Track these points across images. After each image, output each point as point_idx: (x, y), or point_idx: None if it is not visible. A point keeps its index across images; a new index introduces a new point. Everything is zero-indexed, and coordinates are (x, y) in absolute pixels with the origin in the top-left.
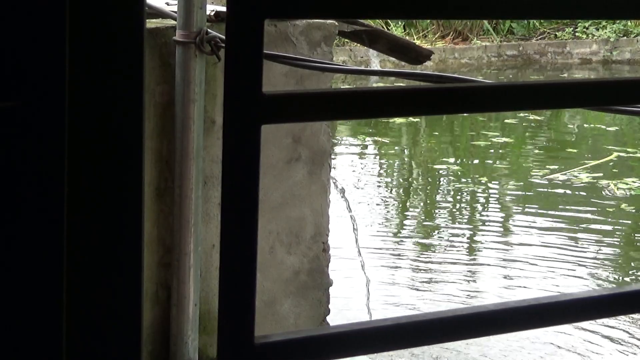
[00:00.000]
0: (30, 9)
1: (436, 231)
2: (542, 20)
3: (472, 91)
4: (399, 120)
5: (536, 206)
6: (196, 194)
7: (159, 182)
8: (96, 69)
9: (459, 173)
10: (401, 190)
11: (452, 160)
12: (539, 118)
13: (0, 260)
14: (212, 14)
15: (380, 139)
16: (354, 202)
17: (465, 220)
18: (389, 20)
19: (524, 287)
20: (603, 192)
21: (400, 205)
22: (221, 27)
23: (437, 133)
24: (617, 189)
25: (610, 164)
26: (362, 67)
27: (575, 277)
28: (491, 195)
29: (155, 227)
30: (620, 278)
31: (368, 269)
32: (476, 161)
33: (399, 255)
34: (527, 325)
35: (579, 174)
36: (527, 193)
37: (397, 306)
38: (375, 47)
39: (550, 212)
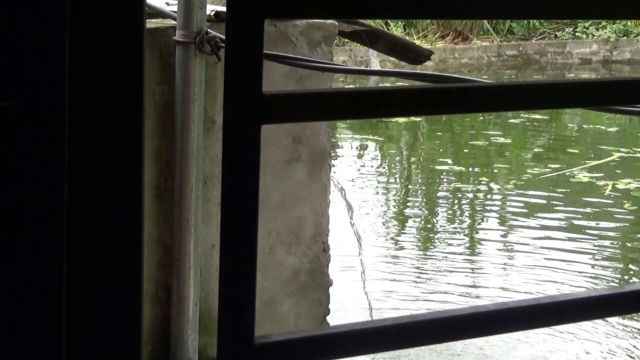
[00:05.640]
0: (30, 9)
1: (436, 231)
2: (542, 20)
3: (472, 91)
4: (399, 120)
5: (536, 206)
6: (196, 194)
7: (159, 182)
8: (96, 68)
9: (459, 173)
10: (401, 190)
11: (452, 160)
12: (545, 117)
13: (0, 260)
14: (212, 14)
15: (380, 138)
16: (354, 202)
17: (466, 220)
18: (389, 20)
19: (524, 287)
20: (603, 192)
21: (400, 205)
22: (221, 27)
23: (438, 133)
24: (611, 189)
25: (612, 164)
26: (362, 67)
27: (575, 277)
28: (491, 195)
29: (155, 227)
30: (620, 278)
31: (368, 269)
32: (476, 161)
33: (399, 254)
34: (527, 325)
35: (579, 173)
36: (527, 193)
37: (396, 306)
38: (375, 47)
39: (550, 211)
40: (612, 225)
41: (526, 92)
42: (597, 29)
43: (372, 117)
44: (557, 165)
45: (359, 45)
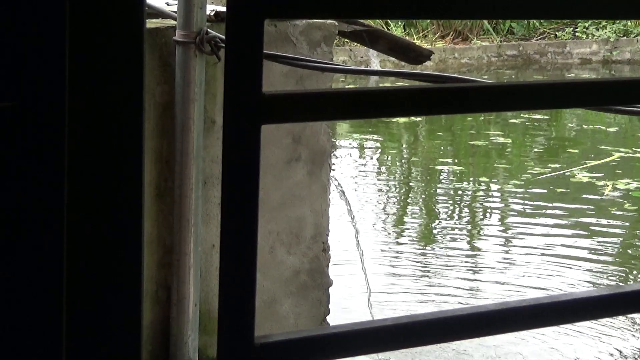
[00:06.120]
0: (30, 9)
1: (436, 230)
2: (542, 20)
3: (472, 91)
4: (399, 120)
5: (536, 206)
6: (196, 194)
7: (159, 182)
8: (96, 68)
9: (460, 173)
10: (401, 190)
11: (452, 159)
12: (545, 117)
13: (0, 261)
14: (212, 14)
15: (380, 138)
16: (354, 202)
17: (466, 220)
18: (389, 20)
19: (524, 286)
20: (603, 192)
21: (400, 205)
22: (221, 27)
23: (438, 133)
24: (611, 189)
25: (612, 164)
26: (362, 67)
27: (575, 276)
28: (491, 195)
29: (155, 227)
30: (621, 278)
31: (368, 270)
32: (476, 161)
33: (399, 254)
34: (527, 325)
35: (579, 173)
36: (527, 193)
37: (396, 306)
38: (375, 47)
39: (550, 211)
40: (612, 225)
41: (526, 92)
42: (597, 29)
43: (372, 117)
44: (557, 165)
45: (359, 45)
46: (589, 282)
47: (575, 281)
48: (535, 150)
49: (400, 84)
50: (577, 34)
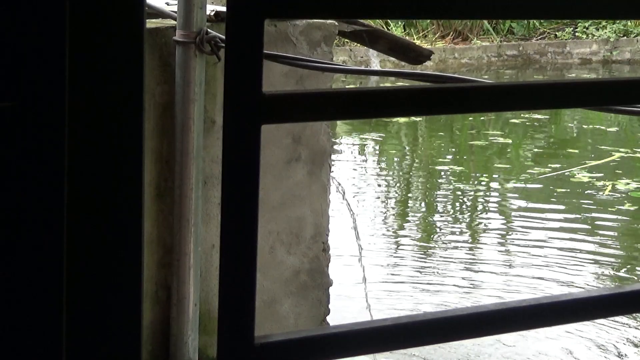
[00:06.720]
0: (30, 9)
1: (436, 230)
2: (542, 20)
3: (472, 91)
4: (399, 119)
5: (536, 206)
6: (196, 194)
7: (159, 182)
8: (96, 68)
9: (460, 172)
10: (401, 190)
11: (452, 159)
12: (545, 117)
13: (0, 260)
14: (212, 14)
15: (380, 138)
16: (354, 202)
17: (465, 220)
18: (389, 20)
19: (524, 285)
20: (603, 193)
21: (401, 205)
22: (221, 27)
23: (438, 133)
24: (611, 189)
25: (612, 164)
26: (362, 67)
27: (575, 276)
28: (491, 195)
29: (155, 227)
30: (620, 278)
31: (368, 270)
32: (476, 160)
33: (399, 254)
34: (527, 325)
35: (579, 173)
36: (527, 193)
37: (396, 306)
38: (375, 47)
39: (550, 212)
40: (611, 225)
41: (526, 92)
42: (597, 29)
43: (372, 117)
44: (557, 165)
45: (359, 45)
46: (589, 281)
47: (574, 281)
48: (535, 150)
49: (400, 84)
50: (577, 34)
